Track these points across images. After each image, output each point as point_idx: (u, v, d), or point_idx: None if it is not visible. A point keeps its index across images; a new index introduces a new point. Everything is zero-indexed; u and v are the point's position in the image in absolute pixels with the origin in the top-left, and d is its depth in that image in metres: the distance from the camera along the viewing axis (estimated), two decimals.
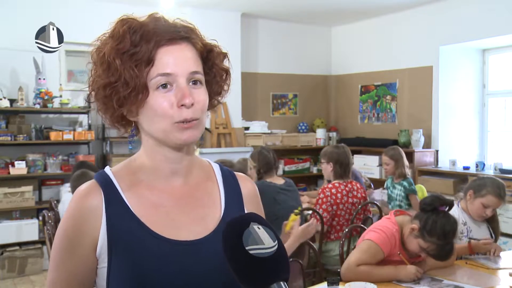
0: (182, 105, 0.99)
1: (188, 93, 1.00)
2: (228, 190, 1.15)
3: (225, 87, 1.13)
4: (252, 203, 1.18)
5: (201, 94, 1.03)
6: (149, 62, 0.99)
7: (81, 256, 1.04)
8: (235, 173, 1.21)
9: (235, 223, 0.86)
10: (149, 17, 1.04)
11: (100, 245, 1.03)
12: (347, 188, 3.80)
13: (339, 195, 3.75)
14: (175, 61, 1.00)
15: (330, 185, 3.79)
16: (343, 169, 3.83)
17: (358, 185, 3.89)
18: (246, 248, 0.81)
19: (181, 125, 1.01)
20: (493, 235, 3.01)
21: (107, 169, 1.10)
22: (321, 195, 3.76)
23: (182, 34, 1.02)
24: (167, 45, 1.00)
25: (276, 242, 0.84)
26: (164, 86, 1.00)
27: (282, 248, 0.84)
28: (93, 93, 1.05)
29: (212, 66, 1.08)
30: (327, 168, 3.90)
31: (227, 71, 1.12)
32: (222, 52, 1.11)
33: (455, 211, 2.96)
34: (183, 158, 1.09)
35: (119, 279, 1.02)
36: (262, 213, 1.21)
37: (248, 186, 1.19)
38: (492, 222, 3.03)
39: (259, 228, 0.84)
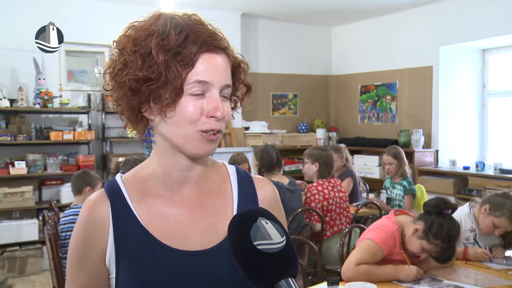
0: (211, 117, 0.97)
1: (220, 105, 0.97)
2: (242, 196, 1.11)
3: (244, 100, 1.10)
4: (269, 206, 1.08)
5: (228, 106, 1.01)
6: (190, 65, 0.95)
7: (92, 267, 1.04)
8: (253, 176, 1.16)
9: (242, 218, 0.84)
10: (189, 18, 1.00)
11: (108, 255, 1.02)
12: (331, 185, 3.91)
13: (326, 191, 3.84)
14: (214, 70, 0.97)
15: (315, 184, 3.89)
16: (328, 170, 3.96)
17: (338, 181, 4.04)
18: (254, 243, 0.79)
19: (205, 135, 0.98)
20: (502, 242, 2.97)
21: (117, 177, 1.09)
22: (308, 194, 3.83)
23: (222, 44, 1.00)
24: (209, 52, 0.97)
25: (284, 237, 0.82)
26: (198, 92, 0.97)
27: (290, 243, 0.82)
28: (113, 82, 1.00)
29: (237, 80, 1.06)
30: (311, 168, 3.99)
31: (249, 87, 1.09)
32: (247, 66, 1.08)
33: (466, 215, 2.94)
34: (196, 166, 1.06)
35: None
36: (282, 217, 1.15)
37: (265, 189, 1.15)
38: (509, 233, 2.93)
39: (267, 223, 0.83)
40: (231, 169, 1.15)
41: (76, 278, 1.06)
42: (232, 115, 1.09)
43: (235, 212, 1.08)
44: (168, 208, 1.05)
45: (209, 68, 0.96)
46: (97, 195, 1.06)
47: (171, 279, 1.00)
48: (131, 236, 1.02)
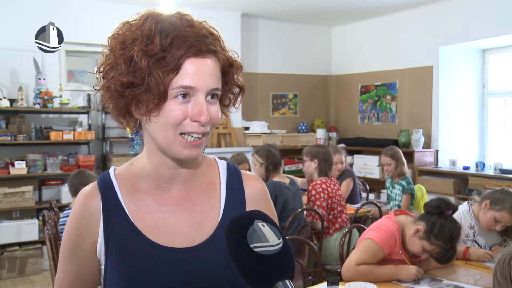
0: (196, 121, 0.97)
1: (205, 110, 0.97)
2: (230, 193, 1.12)
3: (236, 103, 1.11)
4: (257, 204, 1.12)
5: (215, 109, 1.01)
6: (174, 70, 0.95)
7: (83, 258, 1.07)
8: (242, 172, 1.17)
9: (238, 221, 0.84)
10: (179, 17, 1.00)
11: (99, 247, 1.05)
12: (332, 183, 3.94)
13: (329, 189, 3.86)
14: (200, 75, 0.97)
15: (318, 181, 3.89)
16: (327, 167, 3.97)
17: (335, 179, 4.08)
18: (251, 245, 0.80)
19: (187, 140, 0.99)
20: (501, 241, 2.96)
21: (111, 170, 1.11)
22: (313, 192, 3.83)
23: (210, 47, 0.98)
24: (195, 56, 0.96)
25: (281, 239, 0.83)
26: (183, 96, 0.97)
27: (287, 245, 0.83)
28: (105, 81, 1.00)
29: (228, 81, 1.06)
30: (310, 166, 4.00)
31: (242, 88, 1.09)
32: (241, 66, 1.08)
33: (465, 212, 2.95)
34: (184, 164, 1.07)
35: (113, 282, 1.03)
36: (272, 215, 1.16)
37: (254, 186, 1.15)
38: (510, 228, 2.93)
39: (263, 226, 0.83)
40: (222, 165, 1.16)
41: (67, 267, 1.09)
42: (225, 113, 1.10)
43: (222, 210, 1.09)
44: (156, 205, 1.07)
45: (194, 73, 0.96)
46: (90, 189, 1.09)
47: (156, 275, 1.02)
48: (120, 231, 1.04)
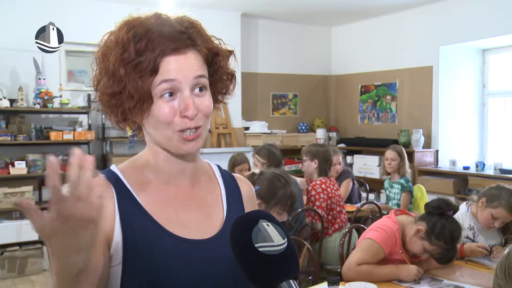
0: (185, 116, 0.99)
1: (191, 104, 0.98)
2: (228, 189, 1.16)
3: (231, 87, 1.12)
4: (250, 204, 1.20)
5: (205, 101, 1.02)
6: (153, 71, 0.97)
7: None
8: (233, 174, 1.23)
9: (243, 220, 0.85)
10: (155, 18, 1.02)
11: (115, 242, 1.00)
12: (332, 183, 3.93)
13: (329, 189, 3.84)
14: (180, 68, 0.98)
15: (318, 181, 3.87)
16: (327, 166, 3.96)
17: (334, 180, 4.07)
18: (255, 245, 0.79)
19: (184, 135, 1.00)
20: (502, 240, 2.96)
21: (113, 167, 1.10)
22: (313, 192, 3.81)
23: (187, 42, 1.00)
24: (172, 54, 0.98)
25: (286, 239, 0.82)
26: (170, 94, 0.99)
27: (291, 245, 0.82)
28: (98, 93, 1.04)
29: (217, 70, 1.07)
30: (310, 165, 3.99)
31: (232, 75, 1.11)
32: (228, 53, 1.09)
33: (464, 214, 2.95)
34: (188, 159, 1.09)
35: (134, 276, 1.00)
36: None
37: (246, 187, 1.21)
38: (510, 225, 2.94)
39: (268, 225, 0.83)
40: (215, 167, 1.21)
41: None
42: (223, 102, 1.13)
43: (225, 207, 1.13)
44: (166, 198, 1.07)
45: (173, 69, 0.98)
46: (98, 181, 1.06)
47: (179, 266, 1.02)
48: (139, 224, 1.02)
